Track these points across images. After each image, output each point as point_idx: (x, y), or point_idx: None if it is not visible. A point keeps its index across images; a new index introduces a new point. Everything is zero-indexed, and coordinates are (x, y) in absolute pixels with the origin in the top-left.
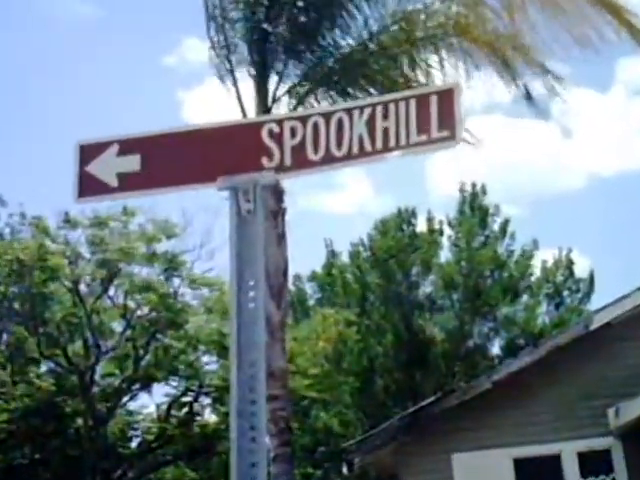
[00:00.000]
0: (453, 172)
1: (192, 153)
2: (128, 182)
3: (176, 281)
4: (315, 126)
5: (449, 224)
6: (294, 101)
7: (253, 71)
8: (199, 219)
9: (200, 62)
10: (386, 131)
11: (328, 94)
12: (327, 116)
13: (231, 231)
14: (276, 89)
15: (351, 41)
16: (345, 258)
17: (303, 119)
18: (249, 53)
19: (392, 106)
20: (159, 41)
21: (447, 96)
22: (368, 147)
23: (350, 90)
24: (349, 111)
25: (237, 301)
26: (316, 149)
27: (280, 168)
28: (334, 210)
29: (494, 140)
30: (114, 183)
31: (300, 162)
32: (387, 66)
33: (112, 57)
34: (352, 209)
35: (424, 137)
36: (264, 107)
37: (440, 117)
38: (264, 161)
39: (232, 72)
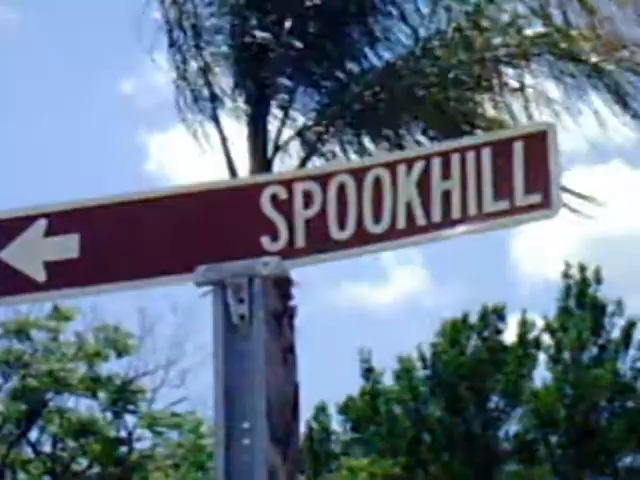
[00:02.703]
0: (552, 248)
1: (158, 231)
2: (61, 275)
3: (130, 420)
4: (341, 189)
5: (548, 329)
6: (306, 150)
7: (245, 106)
8: (165, 325)
9: (172, 88)
10: (447, 196)
11: (357, 139)
12: (358, 174)
13: (215, 346)
14: (279, 132)
15: (391, 58)
16: (389, 379)
17: (322, 179)
18: (238, 79)
19: (456, 158)
20: (113, 61)
21: (538, 142)
22: (420, 220)
23: (390, 133)
24: (391, 166)
25: (225, 451)
26: (342, 224)
27: (288, 252)
28: (373, 308)
29: (612, 200)
30: (40, 277)
31: (318, 243)
32: (448, 97)
33: (45, 82)
34: (399, 306)
35: (504, 205)
36: (262, 160)
37: (528, 174)
38: (265, 242)
39: (214, 108)
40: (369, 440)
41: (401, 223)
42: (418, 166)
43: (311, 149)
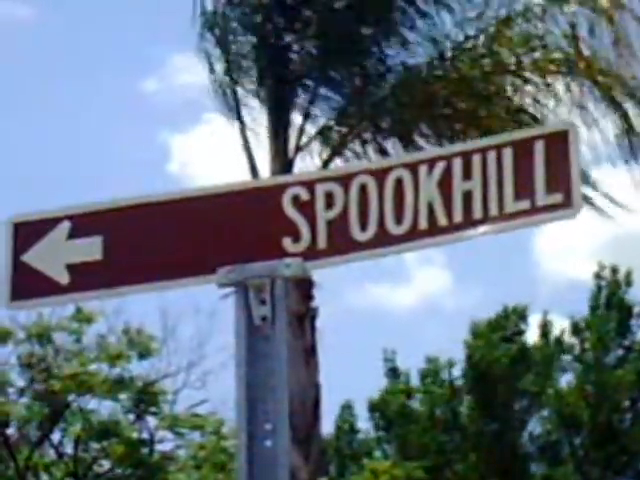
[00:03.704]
0: (576, 247)
1: (179, 233)
2: (84, 278)
3: (152, 421)
4: (362, 190)
5: (574, 330)
6: (328, 150)
7: (268, 105)
8: (186, 327)
9: (195, 87)
10: (468, 197)
11: (380, 140)
12: (379, 174)
13: (237, 347)
14: (301, 133)
15: (415, 60)
16: (415, 379)
17: (344, 179)
18: (261, 79)
19: (477, 158)
20: (134, 59)
21: (559, 142)
22: (441, 221)
23: (413, 134)
24: (413, 167)
25: (247, 453)
26: (364, 224)
27: (310, 253)
28: (394, 309)
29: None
30: (64, 279)
31: (340, 244)
32: (471, 99)
33: (65, 81)
34: (421, 307)
35: (525, 205)
36: (284, 160)
37: (549, 174)
38: (286, 243)
39: (237, 108)
40: (401, 438)
41: (422, 224)
42: (439, 166)
43: (333, 150)
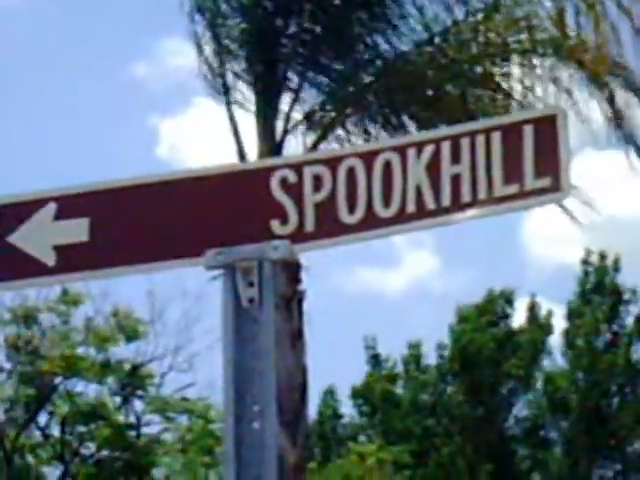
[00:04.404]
0: (571, 233)
1: (167, 215)
2: (70, 259)
3: (139, 404)
4: (350, 173)
5: (568, 315)
6: (317, 133)
7: (256, 89)
8: (174, 309)
9: (185, 71)
10: (457, 180)
11: (367, 123)
12: (368, 157)
13: (225, 329)
14: (288, 115)
15: (403, 45)
16: (399, 365)
17: (332, 162)
18: (250, 63)
19: (466, 142)
20: (124, 43)
21: (548, 126)
22: (430, 204)
23: (401, 118)
24: (401, 150)
25: (234, 436)
26: (352, 207)
27: (298, 236)
28: (383, 292)
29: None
30: (50, 261)
31: (328, 227)
32: (458, 84)
33: (55, 66)
34: (410, 290)
35: (514, 189)
36: (272, 143)
37: (538, 158)
38: (274, 226)
39: (226, 91)
40: (385, 423)
41: (411, 207)
42: (428, 150)
43: (322, 134)
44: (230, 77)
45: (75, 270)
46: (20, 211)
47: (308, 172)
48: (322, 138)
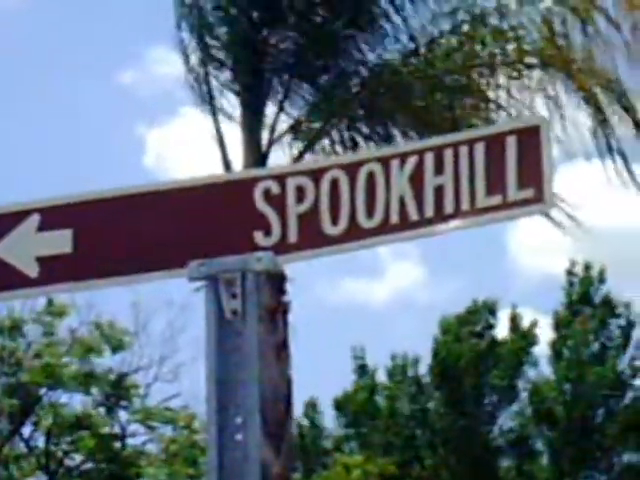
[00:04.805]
0: (556, 244)
1: (151, 226)
2: (54, 270)
3: (123, 415)
4: (333, 184)
5: (556, 327)
6: (301, 144)
7: (241, 99)
8: (158, 320)
9: (171, 79)
10: (440, 191)
11: (352, 134)
12: (351, 169)
13: (208, 341)
14: (274, 126)
15: (389, 56)
16: (383, 376)
17: (315, 173)
18: (236, 72)
19: (449, 153)
20: (112, 51)
21: (531, 137)
22: (413, 215)
23: (387, 128)
24: (384, 161)
25: (217, 447)
26: (335, 218)
27: (281, 247)
28: (368, 303)
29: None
30: (33, 272)
31: (311, 238)
32: (444, 94)
33: (43, 72)
34: (395, 301)
35: (497, 200)
36: (257, 153)
37: (521, 169)
38: (258, 237)
39: (211, 101)
40: (366, 435)
41: (394, 218)
42: (411, 161)
43: (307, 144)
44: (216, 87)
45: (58, 281)
46: (3, 222)
47: (291, 183)
48: (308, 148)
